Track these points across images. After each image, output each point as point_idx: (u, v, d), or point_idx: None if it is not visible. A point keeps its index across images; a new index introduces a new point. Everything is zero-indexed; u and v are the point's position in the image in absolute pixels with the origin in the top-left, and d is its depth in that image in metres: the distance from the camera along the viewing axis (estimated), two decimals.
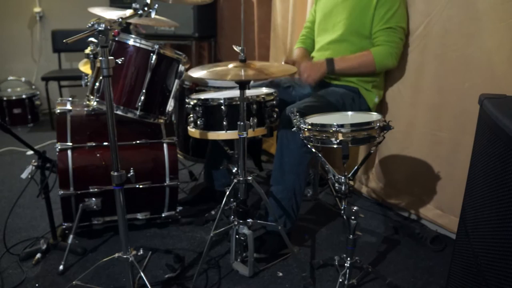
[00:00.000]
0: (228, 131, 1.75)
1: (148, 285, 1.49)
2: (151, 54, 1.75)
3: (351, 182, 1.49)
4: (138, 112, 1.79)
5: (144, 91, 1.78)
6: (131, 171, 1.41)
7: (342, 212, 1.48)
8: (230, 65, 1.60)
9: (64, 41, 1.27)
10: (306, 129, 1.51)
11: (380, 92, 2.09)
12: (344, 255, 1.55)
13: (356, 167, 1.55)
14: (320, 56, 2.11)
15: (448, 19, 1.83)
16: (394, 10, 1.90)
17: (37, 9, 4.06)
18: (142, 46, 1.76)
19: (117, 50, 1.76)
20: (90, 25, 1.25)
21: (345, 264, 1.54)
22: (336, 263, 1.62)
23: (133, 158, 1.90)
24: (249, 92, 1.78)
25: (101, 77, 1.73)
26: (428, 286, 1.69)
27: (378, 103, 2.09)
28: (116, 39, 1.74)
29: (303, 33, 2.34)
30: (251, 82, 1.89)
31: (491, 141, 1.09)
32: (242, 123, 1.58)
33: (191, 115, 1.85)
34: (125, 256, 1.45)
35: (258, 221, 1.77)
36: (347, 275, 1.54)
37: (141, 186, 1.91)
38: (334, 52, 2.03)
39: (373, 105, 2.06)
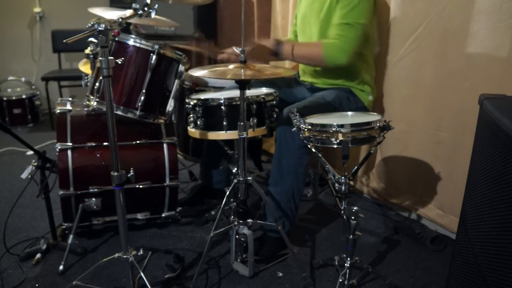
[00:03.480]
0: (228, 131, 1.75)
1: (148, 285, 1.49)
2: (151, 54, 1.75)
3: (351, 182, 1.49)
4: (138, 112, 1.79)
5: (144, 91, 1.77)
6: (131, 171, 1.41)
7: (342, 212, 1.48)
8: (230, 66, 1.61)
9: (64, 41, 1.27)
10: (306, 129, 1.51)
11: (373, 90, 2.08)
12: (344, 255, 1.55)
13: (356, 167, 1.55)
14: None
15: (448, 19, 1.83)
16: (353, 5, 1.80)
17: (37, 9, 4.06)
18: (142, 46, 1.76)
19: (117, 50, 1.76)
20: (90, 25, 1.25)
21: (345, 264, 1.54)
22: (336, 263, 1.62)
23: (133, 158, 1.90)
24: (249, 92, 1.78)
25: (101, 77, 1.73)
26: (428, 286, 1.69)
27: (373, 100, 2.08)
28: (116, 39, 1.74)
29: (293, 26, 2.31)
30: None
31: (491, 141, 1.09)
32: (242, 123, 1.58)
33: (191, 115, 1.85)
34: (125, 256, 1.45)
35: (258, 221, 1.77)
36: (347, 275, 1.54)
37: (141, 186, 1.91)
38: None
39: (368, 103, 2.05)
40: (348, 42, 1.81)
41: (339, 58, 1.82)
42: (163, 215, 2.03)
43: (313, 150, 1.55)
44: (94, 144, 1.86)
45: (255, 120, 1.68)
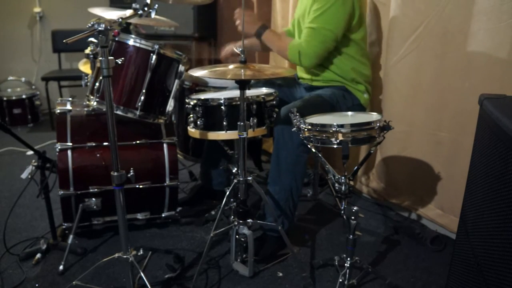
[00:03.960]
0: (228, 131, 1.75)
1: (148, 285, 1.49)
2: (151, 54, 1.75)
3: (351, 182, 1.49)
4: (138, 112, 1.79)
5: (144, 91, 1.77)
6: (131, 171, 1.41)
7: (342, 212, 1.48)
8: (231, 66, 1.61)
9: (64, 41, 1.27)
10: (306, 129, 1.51)
11: (369, 89, 2.08)
12: (344, 255, 1.55)
13: (356, 167, 1.55)
14: None
15: (448, 19, 1.83)
16: (323, 10, 1.81)
17: (37, 9, 4.06)
18: (142, 46, 1.76)
19: (117, 50, 1.76)
20: (90, 25, 1.25)
21: (345, 264, 1.54)
22: (336, 263, 1.62)
23: (133, 158, 1.90)
24: (249, 92, 1.78)
25: (101, 77, 1.73)
26: (428, 286, 1.69)
27: (369, 99, 2.08)
28: (116, 39, 1.74)
29: (293, 20, 2.30)
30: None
31: (491, 141, 1.09)
32: (242, 123, 1.59)
33: (191, 115, 1.85)
34: (125, 256, 1.45)
35: (258, 221, 1.77)
36: (347, 275, 1.54)
37: (141, 186, 1.91)
38: None
39: (364, 101, 2.05)
40: (311, 47, 1.85)
41: (300, 60, 1.89)
42: (163, 215, 2.02)
43: (313, 150, 1.55)
44: (94, 144, 1.86)
45: (255, 120, 1.68)
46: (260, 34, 1.96)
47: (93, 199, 1.84)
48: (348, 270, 1.53)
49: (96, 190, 1.84)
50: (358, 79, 2.02)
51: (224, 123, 1.74)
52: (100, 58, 1.26)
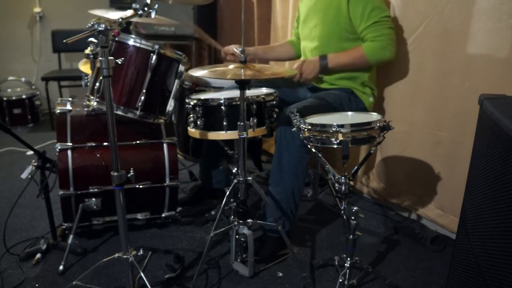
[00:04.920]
0: (228, 131, 1.75)
1: (148, 285, 1.49)
2: (151, 54, 1.75)
3: (351, 182, 1.49)
4: (138, 112, 1.79)
5: (144, 91, 1.77)
6: (131, 171, 1.41)
7: (342, 212, 1.48)
8: (231, 66, 1.61)
9: (64, 41, 1.27)
10: (306, 129, 1.51)
11: (374, 92, 2.08)
12: (344, 255, 1.55)
13: (356, 167, 1.55)
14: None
15: (448, 19, 1.83)
16: (372, 4, 1.85)
17: (37, 9, 4.06)
18: (142, 46, 1.75)
19: (117, 50, 1.76)
20: (90, 25, 1.25)
21: (345, 264, 1.54)
22: (336, 263, 1.62)
23: (133, 158, 1.90)
24: (249, 92, 1.78)
25: (101, 77, 1.73)
26: (428, 286, 1.69)
27: (373, 102, 2.07)
28: (116, 39, 1.74)
29: (295, 29, 2.32)
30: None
31: (491, 141, 1.09)
32: (242, 123, 1.59)
33: (191, 115, 1.85)
34: (125, 256, 1.45)
35: (258, 221, 1.77)
36: (347, 275, 1.54)
37: (141, 186, 1.91)
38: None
39: (369, 104, 2.04)
40: (386, 38, 1.88)
41: (384, 56, 1.91)
42: (163, 215, 2.02)
43: (313, 150, 1.55)
44: (94, 144, 1.86)
45: (255, 120, 1.68)
46: (325, 65, 1.92)
47: (93, 199, 1.84)
48: (348, 270, 1.53)
49: (96, 190, 1.84)
50: (367, 81, 2.02)
51: (224, 123, 1.73)
52: (100, 58, 1.26)
